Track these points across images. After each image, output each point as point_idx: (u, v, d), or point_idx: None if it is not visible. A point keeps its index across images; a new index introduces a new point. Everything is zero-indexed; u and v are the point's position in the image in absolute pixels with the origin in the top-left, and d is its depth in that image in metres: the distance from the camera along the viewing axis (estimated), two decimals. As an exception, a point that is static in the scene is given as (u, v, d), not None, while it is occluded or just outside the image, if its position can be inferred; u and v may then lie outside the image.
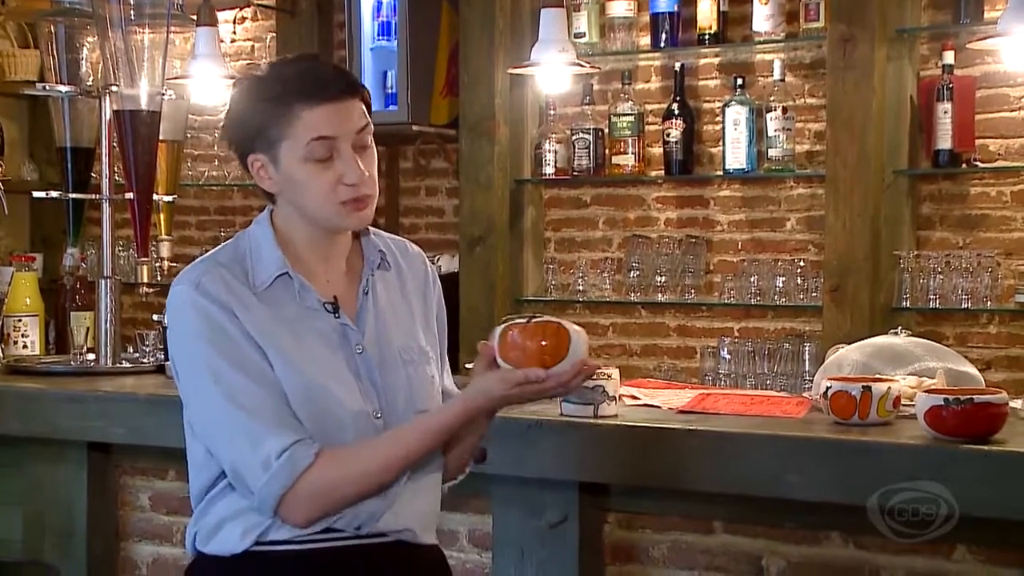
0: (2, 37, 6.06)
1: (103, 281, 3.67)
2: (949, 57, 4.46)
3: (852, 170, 4.49)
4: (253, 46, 5.96)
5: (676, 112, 4.90)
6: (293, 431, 2.05)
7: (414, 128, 5.23)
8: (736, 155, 4.77)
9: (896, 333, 3.08)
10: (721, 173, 4.88)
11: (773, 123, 4.71)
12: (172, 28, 3.72)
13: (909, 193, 4.64)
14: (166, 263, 4.05)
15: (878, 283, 4.51)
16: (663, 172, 4.99)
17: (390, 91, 5.29)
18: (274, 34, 5.80)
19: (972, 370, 2.92)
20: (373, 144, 2.15)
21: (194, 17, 4.11)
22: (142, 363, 3.65)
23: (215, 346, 2.07)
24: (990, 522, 2.44)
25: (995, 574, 2.54)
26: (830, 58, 4.54)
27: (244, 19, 5.97)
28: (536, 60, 4.09)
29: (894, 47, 4.52)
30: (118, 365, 3.63)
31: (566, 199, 5.30)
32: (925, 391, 2.52)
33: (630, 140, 4.98)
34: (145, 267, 3.81)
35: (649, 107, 5.04)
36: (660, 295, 5.01)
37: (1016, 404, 2.66)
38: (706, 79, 5.01)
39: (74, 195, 3.85)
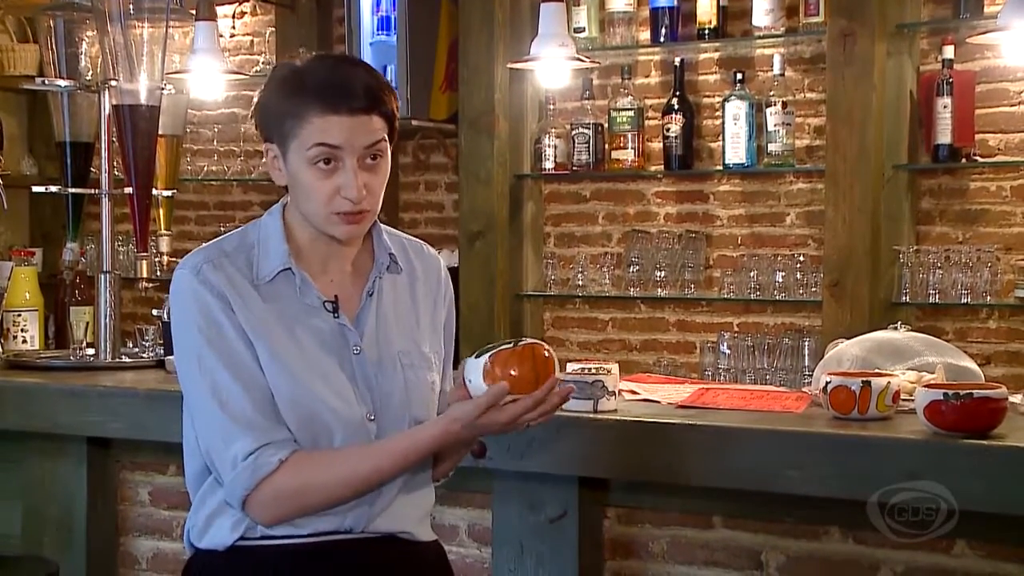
0: (1, 31, 6.04)
1: (102, 276, 3.66)
2: (949, 52, 4.46)
3: (852, 165, 4.48)
4: (252, 41, 5.95)
5: (676, 107, 4.89)
6: (264, 433, 2.05)
7: (414, 123, 5.21)
8: (736, 150, 4.76)
9: (896, 328, 3.08)
10: (721, 168, 4.88)
11: (773, 118, 4.70)
12: (171, 23, 3.71)
13: (909, 188, 4.64)
14: (165, 258, 4.05)
15: (878, 278, 4.51)
16: (663, 167, 4.98)
17: (390, 86, 5.29)
18: (273, 29, 5.79)
19: (972, 365, 2.92)
20: (387, 158, 2.11)
21: (193, 12, 4.11)
22: (142, 358, 3.64)
23: (206, 337, 2.08)
24: (990, 517, 2.44)
25: (995, 569, 2.54)
26: (830, 53, 4.54)
27: (243, 14, 5.95)
28: (536, 55, 4.09)
29: (894, 42, 4.51)
30: (118, 360, 3.63)
31: (566, 194, 5.29)
32: (925, 386, 2.51)
33: (630, 135, 4.98)
34: (144, 262, 3.80)
35: (649, 102, 5.03)
36: (660, 290, 5.01)
37: (1016, 399, 2.66)
38: (706, 74, 5.01)
39: (73, 190, 3.84)
